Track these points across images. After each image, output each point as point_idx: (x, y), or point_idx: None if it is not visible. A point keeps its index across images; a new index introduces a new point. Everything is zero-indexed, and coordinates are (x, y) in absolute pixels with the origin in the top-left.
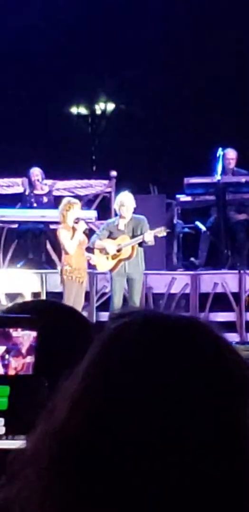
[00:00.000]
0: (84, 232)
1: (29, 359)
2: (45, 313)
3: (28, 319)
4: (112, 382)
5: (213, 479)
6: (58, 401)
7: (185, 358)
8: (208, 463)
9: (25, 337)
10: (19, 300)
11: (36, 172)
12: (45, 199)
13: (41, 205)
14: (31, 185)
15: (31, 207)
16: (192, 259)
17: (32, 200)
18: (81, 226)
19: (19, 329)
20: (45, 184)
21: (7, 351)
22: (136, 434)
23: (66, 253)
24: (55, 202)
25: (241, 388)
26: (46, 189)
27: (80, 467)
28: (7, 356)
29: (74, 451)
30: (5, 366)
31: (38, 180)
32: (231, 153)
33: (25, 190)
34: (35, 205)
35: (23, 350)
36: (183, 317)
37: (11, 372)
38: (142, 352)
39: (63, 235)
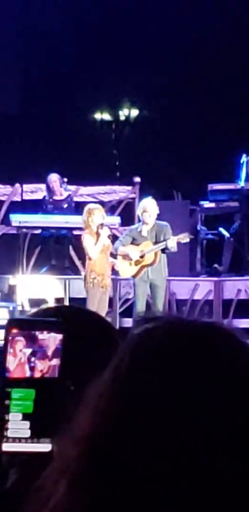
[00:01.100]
0: (108, 237)
1: (55, 361)
2: (70, 318)
3: (54, 322)
4: (136, 388)
5: (228, 482)
6: (83, 408)
7: (205, 364)
8: (224, 466)
9: (51, 339)
10: (43, 306)
11: (54, 178)
12: (64, 205)
13: (61, 211)
14: (50, 191)
15: (50, 212)
16: (216, 265)
17: (52, 206)
18: (105, 232)
19: (45, 332)
20: (69, 190)
21: (33, 354)
22: (156, 438)
23: (90, 258)
24: (78, 207)
25: None
26: (65, 195)
27: (102, 472)
28: (33, 359)
29: (98, 458)
30: (32, 369)
31: (60, 186)
32: None
33: (44, 196)
34: (54, 211)
35: (49, 353)
36: (206, 323)
37: (37, 374)
38: (165, 359)
39: (87, 240)
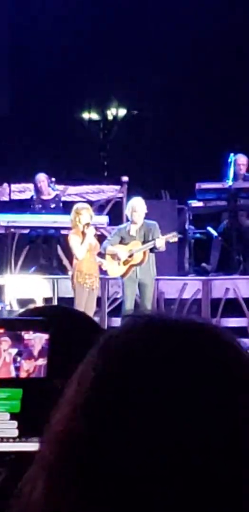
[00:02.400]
0: (94, 236)
1: (41, 361)
2: (57, 318)
3: (40, 321)
4: (128, 388)
5: (222, 483)
6: (61, 406)
7: (198, 364)
8: (217, 467)
9: (36, 339)
10: (31, 306)
11: (41, 177)
12: (52, 205)
13: (49, 210)
14: (38, 190)
15: (38, 212)
16: (204, 264)
17: (40, 205)
18: (91, 231)
19: (30, 332)
20: (57, 190)
21: (19, 354)
22: (149, 439)
23: (76, 258)
24: (66, 207)
25: None
26: (53, 194)
27: (95, 473)
28: (19, 359)
29: (91, 459)
30: (17, 369)
31: (48, 185)
32: (242, 159)
33: (32, 196)
34: (42, 210)
35: (35, 353)
36: (197, 322)
37: (23, 374)
38: (157, 359)
39: (73, 240)
